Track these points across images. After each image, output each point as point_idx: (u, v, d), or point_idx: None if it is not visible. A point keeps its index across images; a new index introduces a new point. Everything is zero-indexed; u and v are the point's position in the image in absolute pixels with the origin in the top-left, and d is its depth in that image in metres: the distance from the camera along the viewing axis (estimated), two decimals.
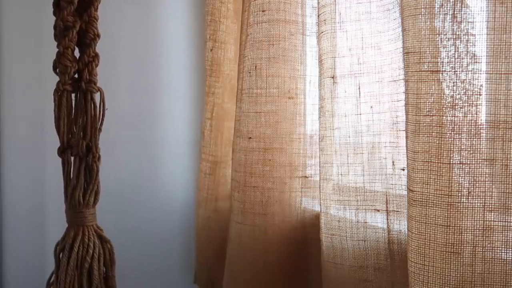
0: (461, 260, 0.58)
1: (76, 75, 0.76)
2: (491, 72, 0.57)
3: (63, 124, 0.75)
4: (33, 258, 1.10)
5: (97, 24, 0.75)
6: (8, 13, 1.09)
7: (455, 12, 0.58)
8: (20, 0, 1.09)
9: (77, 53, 0.77)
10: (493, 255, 0.58)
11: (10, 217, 1.10)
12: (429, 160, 0.60)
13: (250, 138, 0.90)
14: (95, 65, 0.76)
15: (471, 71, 0.58)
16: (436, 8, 0.59)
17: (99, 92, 0.77)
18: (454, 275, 0.58)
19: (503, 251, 0.58)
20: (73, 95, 0.77)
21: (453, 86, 0.59)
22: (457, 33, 0.58)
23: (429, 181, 0.60)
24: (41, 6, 1.09)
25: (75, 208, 0.75)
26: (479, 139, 0.58)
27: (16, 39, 1.10)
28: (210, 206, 1.12)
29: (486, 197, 0.58)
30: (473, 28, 0.58)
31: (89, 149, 0.76)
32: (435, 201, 0.59)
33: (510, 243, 0.58)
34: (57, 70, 0.75)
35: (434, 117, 0.59)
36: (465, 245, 0.58)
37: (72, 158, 0.76)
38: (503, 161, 0.57)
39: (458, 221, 0.58)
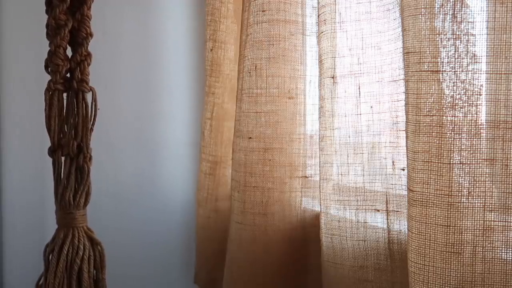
0: (461, 260, 0.58)
1: (68, 75, 0.75)
2: (491, 72, 0.57)
3: (54, 123, 0.74)
4: (33, 256, 1.10)
5: (89, 23, 0.74)
6: (8, 13, 1.09)
7: (455, 12, 0.58)
8: (20, 0, 1.09)
9: (69, 52, 0.76)
10: (493, 255, 0.58)
11: (10, 216, 1.10)
12: (429, 160, 0.60)
13: (250, 138, 0.90)
14: (87, 64, 0.75)
15: (471, 71, 0.58)
16: (436, 8, 0.59)
17: (91, 92, 0.76)
18: (454, 275, 0.58)
19: (503, 251, 0.58)
20: (64, 94, 0.75)
21: (453, 86, 0.59)
22: (457, 33, 0.58)
23: (429, 181, 0.60)
24: (41, 6, 1.09)
25: (65, 209, 0.74)
26: (479, 139, 0.58)
27: (16, 39, 1.10)
28: (210, 206, 1.12)
29: (486, 197, 0.58)
30: (473, 28, 0.58)
31: (80, 149, 0.75)
32: (435, 201, 0.59)
33: (510, 243, 0.57)
34: (49, 69, 0.74)
35: (434, 117, 0.59)
36: (465, 245, 0.58)
37: (63, 158, 0.75)
38: (503, 161, 0.57)
39: (458, 221, 0.58)
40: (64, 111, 0.75)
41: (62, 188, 0.74)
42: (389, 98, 0.75)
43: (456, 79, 0.58)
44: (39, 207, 1.11)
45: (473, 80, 0.58)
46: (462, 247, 0.58)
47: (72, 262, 0.74)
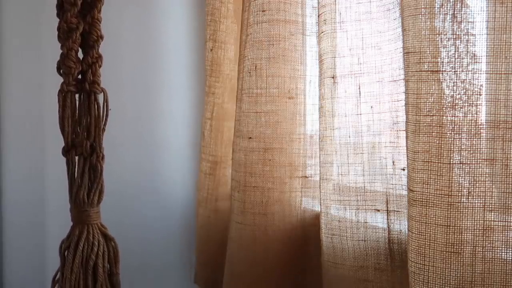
0: (461, 260, 0.58)
1: (79, 76, 0.77)
2: (491, 72, 0.57)
3: (67, 124, 0.76)
4: (33, 256, 1.10)
5: (100, 26, 0.76)
6: (8, 13, 1.09)
7: (455, 12, 0.58)
8: (20, 0, 1.09)
9: (80, 55, 0.78)
10: (493, 255, 0.58)
11: (10, 216, 1.10)
12: (429, 160, 0.60)
13: (250, 138, 0.90)
14: (99, 66, 0.77)
15: (471, 71, 0.58)
16: (436, 8, 0.59)
17: (102, 93, 0.78)
18: (454, 275, 0.59)
19: (503, 251, 0.58)
20: (76, 95, 0.78)
21: (453, 86, 0.59)
22: (457, 33, 0.58)
23: (429, 181, 0.60)
24: (40, 7, 1.09)
25: (79, 207, 0.76)
26: (479, 139, 0.58)
27: (16, 40, 1.10)
28: (210, 206, 1.12)
29: (486, 197, 0.58)
30: (473, 28, 0.58)
31: (93, 149, 0.77)
32: (435, 201, 0.59)
33: (510, 243, 0.58)
34: (61, 71, 0.76)
35: (434, 117, 0.59)
36: (465, 245, 0.58)
37: (76, 158, 0.78)
38: (503, 161, 0.57)
39: (458, 221, 0.58)
40: (77, 112, 0.77)
41: (77, 187, 0.77)
42: (389, 98, 0.75)
43: (456, 79, 0.58)
44: (39, 207, 1.11)
45: (473, 80, 0.58)
46: (462, 247, 0.58)
47: (88, 257, 0.76)
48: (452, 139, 0.59)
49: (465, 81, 0.58)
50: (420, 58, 0.60)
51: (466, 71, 0.58)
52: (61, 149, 0.77)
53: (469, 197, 0.58)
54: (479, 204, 0.58)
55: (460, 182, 0.58)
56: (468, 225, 0.58)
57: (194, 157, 1.22)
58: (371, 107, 0.77)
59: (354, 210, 0.78)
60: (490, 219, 0.58)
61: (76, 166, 0.77)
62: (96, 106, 0.77)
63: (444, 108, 0.59)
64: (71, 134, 0.76)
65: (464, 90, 0.58)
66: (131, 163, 1.18)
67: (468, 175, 0.58)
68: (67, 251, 0.76)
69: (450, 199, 0.59)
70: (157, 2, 1.20)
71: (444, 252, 0.59)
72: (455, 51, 0.58)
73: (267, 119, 0.90)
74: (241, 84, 0.93)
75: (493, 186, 0.58)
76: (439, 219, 0.59)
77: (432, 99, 0.59)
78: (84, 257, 0.76)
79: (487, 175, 0.58)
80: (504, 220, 0.58)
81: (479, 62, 0.58)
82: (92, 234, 0.77)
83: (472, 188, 0.58)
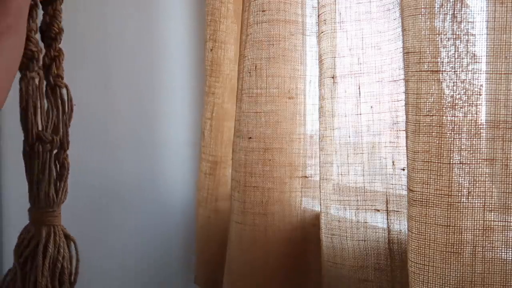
0: (461, 260, 0.58)
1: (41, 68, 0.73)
2: (491, 72, 0.57)
3: (31, 114, 0.71)
4: None
5: (61, 18, 0.73)
6: None
7: (455, 12, 0.58)
8: None
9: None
10: (493, 255, 0.58)
11: (10, 216, 1.10)
12: (429, 160, 0.60)
13: (250, 138, 0.90)
14: (62, 60, 0.74)
15: (471, 71, 0.58)
16: (436, 8, 0.59)
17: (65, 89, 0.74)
18: (454, 275, 0.58)
19: (503, 251, 0.58)
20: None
21: (453, 86, 0.59)
22: (457, 33, 0.58)
23: (429, 181, 0.60)
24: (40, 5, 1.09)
25: (47, 206, 0.72)
26: (479, 139, 0.58)
27: None
28: (210, 206, 1.12)
29: (486, 197, 0.58)
30: (473, 28, 0.58)
31: (61, 145, 0.73)
32: (435, 201, 0.59)
33: (510, 243, 0.58)
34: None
35: (434, 117, 0.59)
36: (465, 245, 0.58)
37: (42, 155, 0.73)
38: (503, 161, 0.57)
39: (458, 221, 0.58)
40: (40, 105, 0.72)
41: (45, 185, 0.72)
42: (389, 98, 0.75)
43: (456, 79, 0.58)
44: None
45: (473, 80, 0.58)
46: (462, 247, 0.58)
47: (55, 260, 0.72)
48: (452, 139, 0.59)
49: (465, 81, 0.58)
50: (420, 58, 0.60)
51: (466, 71, 0.58)
52: (23, 142, 0.72)
53: (469, 197, 0.58)
54: (479, 204, 0.58)
55: (460, 182, 0.58)
56: (468, 225, 0.58)
57: (194, 157, 1.22)
58: (371, 107, 0.77)
59: (354, 210, 0.78)
60: (490, 219, 0.58)
61: (41, 164, 0.72)
62: (61, 101, 0.73)
63: (444, 108, 0.59)
64: (35, 126, 0.71)
65: (464, 90, 0.58)
66: (131, 163, 1.18)
67: (468, 175, 0.58)
68: (39, 254, 0.71)
69: (450, 199, 0.59)
70: (157, 2, 1.20)
71: (444, 252, 0.59)
72: (455, 51, 0.58)
73: (267, 119, 0.90)
74: (241, 84, 0.93)
75: (493, 186, 0.58)
76: (439, 219, 0.59)
77: (432, 99, 0.59)
78: (51, 260, 0.72)
79: (487, 175, 0.58)
80: (504, 220, 0.58)
81: (479, 62, 0.58)
82: (58, 236, 0.73)
83: (472, 188, 0.58)
